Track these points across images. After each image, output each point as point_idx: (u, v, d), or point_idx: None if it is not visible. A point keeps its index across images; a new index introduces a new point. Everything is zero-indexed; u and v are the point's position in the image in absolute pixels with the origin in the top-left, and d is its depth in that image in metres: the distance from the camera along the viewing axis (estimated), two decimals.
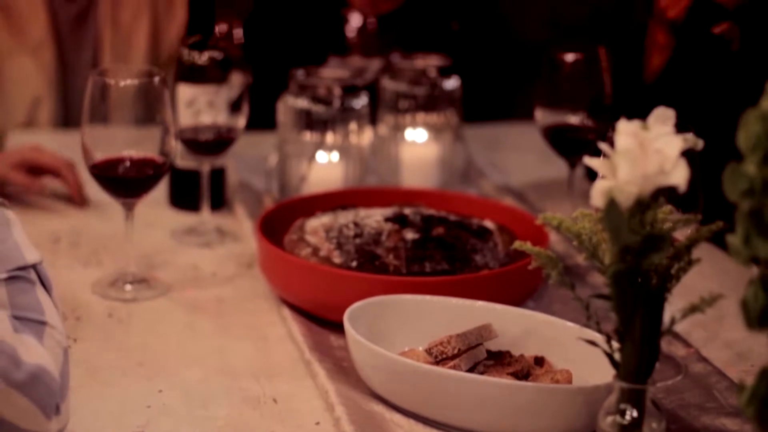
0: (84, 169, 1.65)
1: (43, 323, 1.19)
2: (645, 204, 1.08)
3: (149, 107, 1.63)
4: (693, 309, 1.12)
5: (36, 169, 2.01)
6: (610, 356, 1.14)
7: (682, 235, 1.21)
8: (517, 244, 1.23)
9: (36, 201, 2.00)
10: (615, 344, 1.13)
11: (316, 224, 1.66)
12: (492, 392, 1.26)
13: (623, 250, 1.08)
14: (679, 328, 1.54)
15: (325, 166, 1.95)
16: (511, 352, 1.41)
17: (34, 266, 1.23)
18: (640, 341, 1.11)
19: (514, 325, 1.43)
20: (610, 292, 1.11)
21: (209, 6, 1.90)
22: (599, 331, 1.17)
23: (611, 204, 1.06)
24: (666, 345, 1.52)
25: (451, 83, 2.11)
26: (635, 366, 1.12)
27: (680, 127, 1.11)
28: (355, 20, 2.39)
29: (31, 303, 1.20)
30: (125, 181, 1.62)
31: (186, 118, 1.84)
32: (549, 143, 1.93)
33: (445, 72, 2.12)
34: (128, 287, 1.66)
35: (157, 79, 1.61)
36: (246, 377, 1.42)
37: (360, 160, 1.98)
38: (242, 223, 1.93)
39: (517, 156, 2.36)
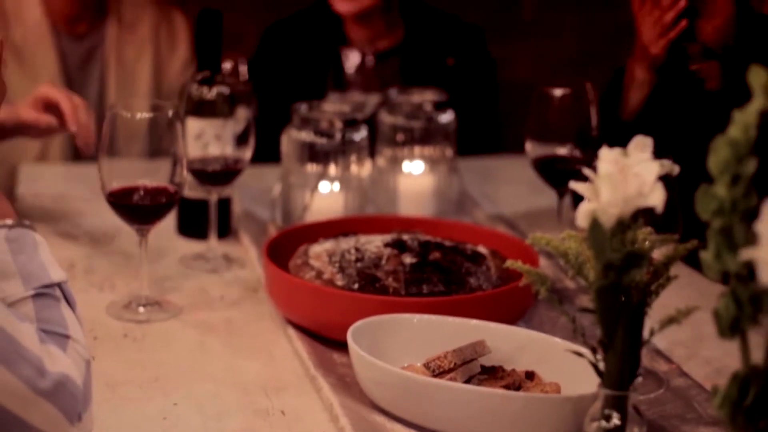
0: (101, 197, 1.75)
1: (66, 337, 1.28)
2: (625, 224, 1.18)
3: (161, 139, 1.73)
4: (670, 320, 1.22)
5: (50, 106, 2.08)
6: (594, 366, 1.24)
7: (661, 254, 1.31)
8: (509, 263, 1.33)
9: (52, 229, 2.09)
10: (599, 355, 1.23)
11: (320, 250, 1.76)
12: (486, 402, 1.36)
13: (606, 267, 1.18)
14: (662, 346, 1.65)
15: (327, 195, 2.05)
16: (504, 367, 1.50)
17: (59, 284, 1.32)
18: (622, 351, 1.21)
19: (506, 342, 1.53)
20: (594, 306, 1.21)
21: (216, 44, 2.00)
22: (584, 342, 1.26)
23: (594, 224, 1.16)
24: (649, 361, 1.61)
25: (446, 117, 2.22)
26: (618, 374, 1.21)
27: (658, 154, 1.21)
28: (354, 57, 2.49)
29: (56, 318, 1.29)
30: (140, 209, 1.71)
31: (195, 150, 1.94)
32: (538, 174, 2.03)
33: (440, 106, 2.22)
34: (141, 309, 1.75)
35: (169, 112, 1.71)
36: (255, 391, 1.51)
37: (360, 190, 2.08)
38: (248, 250, 2.02)
39: (509, 187, 2.46)
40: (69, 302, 1.34)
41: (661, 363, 1.62)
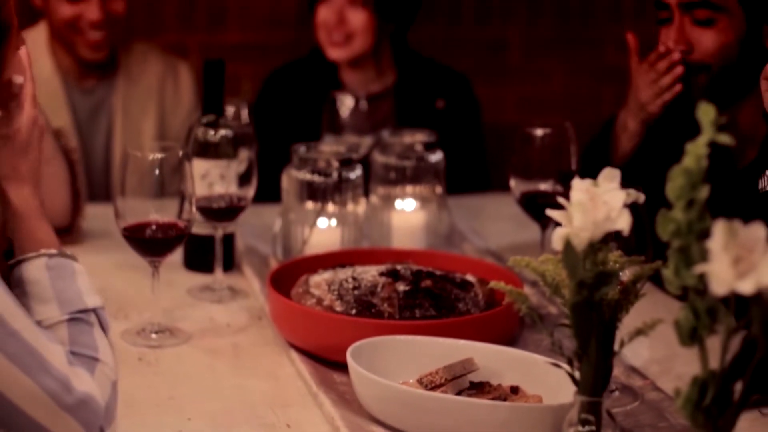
0: (111, 234, 1.88)
1: (95, 359, 1.41)
2: (596, 246, 1.32)
3: (172, 178, 1.87)
4: (638, 332, 1.36)
5: None
6: (571, 375, 1.37)
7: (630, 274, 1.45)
8: (493, 284, 1.47)
9: None
10: (575, 365, 1.36)
11: (319, 279, 1.89)
12: (475, 412, 1.50)
13: (579, 285, 1.31)
14: (637, 363, 1.79)
15: (325, 231, 2.19)
16: (491, 382, 1.64)
17: (94, 310, 1.46)
18: (595, 361, 1.34)
19: (492, 360, 1.66)
20: (570, 321, 1.34)
21: (220, 90, 2.14)
22: (562, 354, 1.40)
23: (568, 246, 1.30)
24: (626, 377, 1.75)
25: (436, 157, 2.36)
26: (592, 382, 1.35)
27: (625, 185, 1.35)
28: (348, 101, 2.64)
29: (88, 341, 1.42)
30: (152, 242, 1.85)
31: (200, 189, 2.07)
32: (523, 208, 2.18)
33: (430, 147, 2.37)
34: (154, 336, 1.88)
35: (180, 153, 1.85)
36: (262, 407, 1.64)
37: (356, 225, 2.22)
38: (251, 282, 2.16)
39: (495, 223, 2.60)
40: (103, 327, 1.47)
41: (636, 379, 1.75)
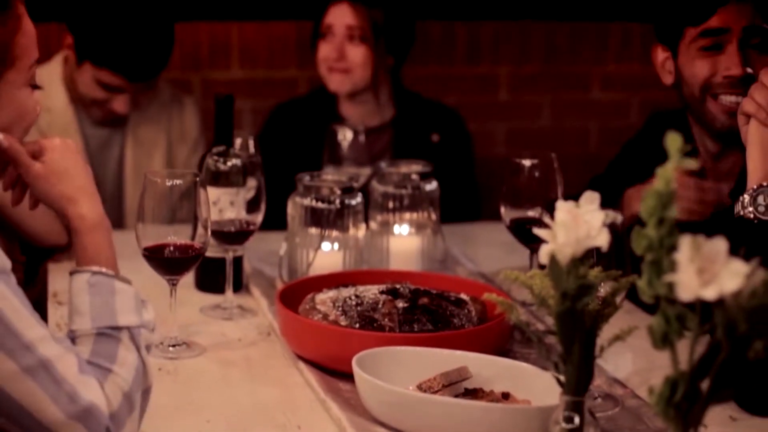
0: (129, 257, 2.03)
1: (109, 370, 1.54)
2: (578, 261, 1.47)
3: (188, 203, 2.02)
4: (616, 338, 1.51)
5: None
6: (557, 377, 1.52)
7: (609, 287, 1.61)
8: (486, 296, 1.63)
9: None
10: (560, 368, 1.51)
11: (324, 297, 2.05)
12: (470, 413, 1.65)
13: (563, 295, 1.47)
14: (619, 375, 1.95)
15: (328, 254, 2.34)
16: (483, 389, 1.79)
17: (127, 328, 1.59)
18: (578, 364, 1.49)
19: (485, 369, 1.82)
20: (555, 328, 1.50)
21: (230, 123, 2.30)
22: (548, 357, 1.55)
23: (553, 261, 1.46)
24: (608, 387, 1.90)
25: (431, 186, 2.52)
26: (575, 383, 1.50)
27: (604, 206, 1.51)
28: (348, 134, 2.81)
29: (107, 353, 1.55)
30: (171, 261, 2.01)
31: (212, 214, 2.23)
32: (512, 234, 2.34)
33: (425, 177, 2.53)
34: (171, 349, 2.04)
35: (197, 180, 2.01)
36: (275, 411, 1.80)
37: (356, 249, 2.38)
38: (259, 302, 2.31)
39: (486, 249, 2.76)
40: (136, 345, 1.60)
41: (617, 388, 1.91)
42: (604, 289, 1.62)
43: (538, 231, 1.50)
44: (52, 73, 3.12)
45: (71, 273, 1.64)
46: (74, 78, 3.10)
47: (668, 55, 2.47)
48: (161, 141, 3.23)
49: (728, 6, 2.35)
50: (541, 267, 1.64)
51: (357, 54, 3.18)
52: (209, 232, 2.03)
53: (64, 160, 1.71)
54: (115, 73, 3.00)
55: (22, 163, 1.70)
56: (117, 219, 3.13)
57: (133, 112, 3.19)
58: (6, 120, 1.69)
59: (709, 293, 1.23)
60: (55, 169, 1.70)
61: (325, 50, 3.21)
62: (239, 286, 2.37)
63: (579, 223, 1.47)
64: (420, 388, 1.75)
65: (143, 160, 3.18)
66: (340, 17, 3.20)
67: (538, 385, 1.74)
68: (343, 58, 3.18)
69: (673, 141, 1.30)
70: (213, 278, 2.34)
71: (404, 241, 2.51)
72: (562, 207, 1.48)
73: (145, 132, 3.21)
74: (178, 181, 2.00)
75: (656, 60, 2.51)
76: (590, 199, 1.51)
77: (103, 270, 1.63)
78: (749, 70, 2.32)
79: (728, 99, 2.34)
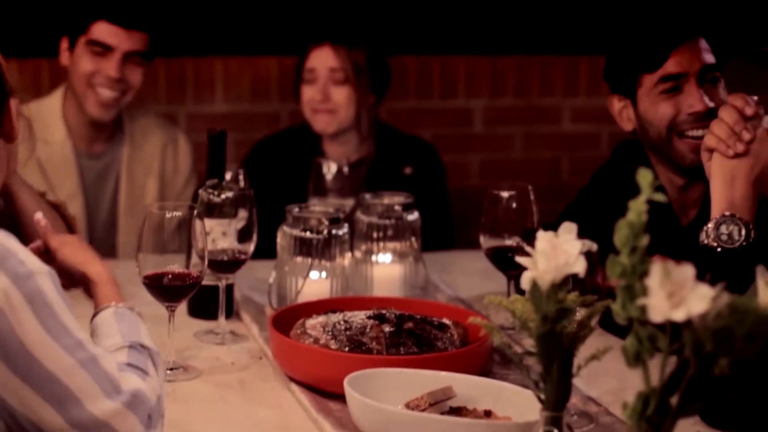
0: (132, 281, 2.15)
1: (146, 373, 1.69)
2: (557, 286, 1.59)
3: (184, 234, 2.13)
4: (592, 357, 1.63)
5: None
6: (537, 395, 1.64)
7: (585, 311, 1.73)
8: (471, 319, 1.74)
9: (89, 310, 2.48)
10: (540, 386, 1.63)
11: (314, 322, 2.16)
12: (456, 429, 1.76)
13: (543, 318, 1.59)
14: (593, 394, 2.06)
15: (316, 281, 2.46)
16: (467, 407, 1.91)
17: (149, 349, 1.75)
18: (557, 382, 1.61)
19: (468, 388, 1.93)
20: (536, 349, 1.61)
21: (222, 157, 2.42)
22: (529, 375, 1.66)
23: (534, 286, 1.58)
24: (583, 405, 2.02)
25: (413, 216, 2.64)
26: (555, 400, 1.61)
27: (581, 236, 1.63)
28: (332, 167, 2.93)
29: (141, 362, 1.71)
30: (169, 289, 2.11)
31: (200, 244, 2.33)
32: (491, 262, 2.46)
33: (407, 207, 2.65)
34: (169, 372, 2.14)
35: (194, 212, 2.12)
36: (270, 430, 1.91)
37: (343, 277, 2.49)
38: (249, 327, 2.42)
39: (464, 276, 2.89)
40: (156, 365, 1.75)
41: (592, 406, 2.03)
42: (580, 313, 1.74)
43: (520, 259, 1.62)
44: (51, 108, 3.24)
45: (95, 314, 1.84)
46: (71, 89, 3.21)
47: (625, 103, 2.61)
48: (154, 177, 3.35)
49: (681, 48, 2.50)
50: (519, 292, 1.77)
51: (341, 95, 3.32)
52: (206, 262, 2.13)
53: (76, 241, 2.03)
54: (109, 23, 3.13)
55: (51, 236, 2.02)
56: (110, 249, 3.24)
57: (128, 147, 3.30)
58: None
59: (678, 315, 1.34)
60: (73, 242, 2.01)
61: (310, 93, 3.35)
62: (230, 313, 2.47)
63: (558, 252, 1.59)
64: (408, 406, 1.87)
65: (137, 195, 3.30)
66: (323, 60, 3.34)
67: (517, 403, 1.85)
68: (328, 99, 3.32)
69: (644, 176, 1.42)
70: (205, 305, 2.45)
71: (387, 268, 2.62)
72: (543, 237, 1.60)
73: (139, 168, 3.33)
74: (176, 213, 2.11)
75: (613, 109, 2.65)
76: (568, 229, 1.63)
77: (126, 305, 1.85)
78: (711, 104, 2.47)
79: (695, 133, 2.48)
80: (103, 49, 3.16)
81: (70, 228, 2.57)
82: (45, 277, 1.55)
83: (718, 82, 2.53)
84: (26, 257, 1.54)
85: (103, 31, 3.16)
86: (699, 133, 2.47)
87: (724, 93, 2.52)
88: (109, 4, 3.21)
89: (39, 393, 1.53)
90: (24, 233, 2.44)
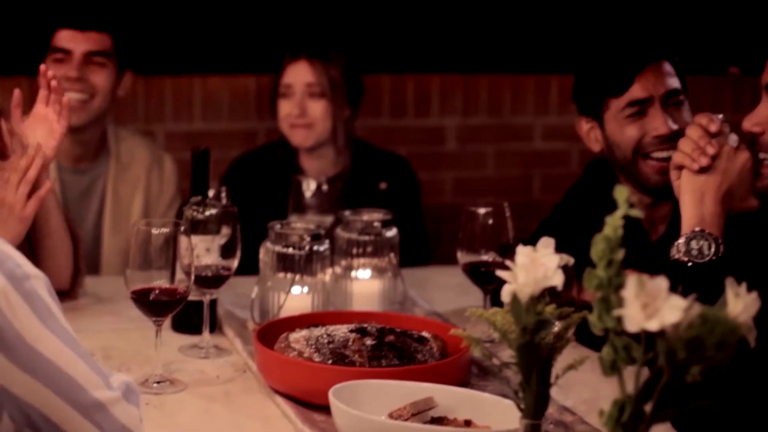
0: (112, 301, 2.20)
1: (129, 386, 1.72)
2: (536, 299, 1.66)
3: (171, 250, 2.18)
4: (570, 367, 1.70)
5: None
6: (517, 403, 1.70)
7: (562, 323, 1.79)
8: (453, 332, 1.81)
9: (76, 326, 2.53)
10: (520, 395, 1.69)
11: (298, 336, 2.22)
12: None
13: (523, 329, 1.65)
14: (569, 404, 2.13)
15: (298, 296, 2.52)
16: (448, 417, 1.97)
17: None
18: (536, 391, 1.67)
19: (449, 399, 1.99)
20: (516, 359, 1.68)
21: (206, 174, 2.48)
22: (509, 385, 1.73)
23: (514, 299, 1.64)
24: (559, 414, 2.09)
25: (391, 233, 2.71)
26: (534, 408, 1.68)
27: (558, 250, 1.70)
28: (312, 185, 2.99)
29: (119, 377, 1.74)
30: (156, 304, 2.17)
31: (186, 260, 2.39)
32: (468, 276, 2.53)
33: (386, 224, 2.72)
34: (155, 385, 2.19)
35: (180, 229, 2.18)
36: None
37: (324, 292, 2.55)
38: (233, 342, 2.48)
39: (441, 291, 2.95)
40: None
41: (567, 415, 2.09)
42: (557, 325, 1.80)
43: (501, 273, 1.68)
44: None
45: None
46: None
47: (592, 125, 2.71)
48: (140, 197, 3.40)
49: (645, 72, 2.60)
50: (495, 306, 1.83)
51: (317, 109, 3.39)
52: (192, 277, 2.19)
53: None
54: (67, 29, 3.22)
55: None
56: (94, 264, 3.28)
57: (113, 165, 3.35)
58: None
59: (652, 325, 1.41)
60: None
61: (287, 108, 3.41)
62: (213, 328, 2.53)
63: (537, 266, 1.65)
64: (391, 416, 1.93)
65: (123, 213, 3.34)
66: (300, 75, 3.40)
67: (496, 413, 1.92)
68: (305, 114, 3.38)
69: (621, 192, 1.49)
70: (189, 320, 2.50)
71: (366, 284, 2.68)
72: (522, 251, 1.67)
73: (125, 187, 3.38)
74: (163, 230, 2.17)
75: (581, 131, 2.75)
76: (546, 244, 1.70)
77: None
78: (675, 126, 2.56)
79: (660, 155, 2.57)
80: (63, 54, 3.22)
81: (76, 246, 2.63)
82: (40, 282, 1.59)
83: (682, 105, 2.62)
84: (22, 261, 1.59)
85: (61, 37, 3.24)
86: (664, 154, 2.56)
87: (689, 114, 2.61)
88: (65, 12, 3.29)
89: (44, 383, 1.56)
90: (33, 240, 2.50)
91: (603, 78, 2.65)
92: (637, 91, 2.60)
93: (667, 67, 2.63)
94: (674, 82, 2.63)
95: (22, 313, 1.54)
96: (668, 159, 2.45)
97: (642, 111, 2.60)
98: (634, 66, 2.61)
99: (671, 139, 2.53)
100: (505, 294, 1.66)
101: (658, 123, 2.58)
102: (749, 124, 2.24)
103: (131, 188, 3.40)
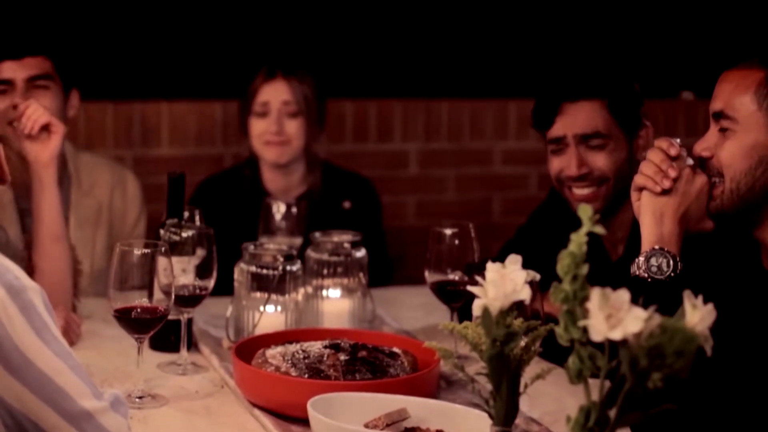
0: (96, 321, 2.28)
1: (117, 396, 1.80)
2: (505, 312, 1.76)
3: (151, 270, 2.27)
4: (537, 376, 1.80)
5: None
6: (488, 411, 1.80)
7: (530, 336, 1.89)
8: (427, 344, 1.90)
9: None
10: (491, 403, 1.79)
11: (274, 352, 2.31)
12: None
13: (493, 341, 1.75)
14: (535, 415, 2.22)
15: (271, 315, 2.60)
16: (421, 427, 2.06)
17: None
18: (506, 399, 1.77)
19: (421, 410, 2.09)
20: (487, 369, 1.78)
21: (181, 198, 2.57)
22: (479, 395, 1.83)
23: (485, 312, 1.74)
24: (526, 425, 2.19)
25: (360, 253, 2.80)
26: (504, 416, 1.77)
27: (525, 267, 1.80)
28: (282, 207, 3.08)
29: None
30: (138, 321, 2.25)
31: (166, 280, 2.47)
32: (435, 295, 2.63)
33: (355, 245, 2.81)
34: (137, 400, 2.27)
35: (162, 249, 2.26)
36: None
37: (297, 311, 2.64)
38: (209, 359, 2.56)
39: (407, 310, 3.05)
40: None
41: (533, 425, 2.19)
42: (525, 338, 1.90)
43: (472, 288, 1.78)
44: None
45: None
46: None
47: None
48: (104, 221, 3.44)
49: (562, 111, 2.72)
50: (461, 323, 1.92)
51: (293, 127, 3.49)
52: (173, 296, 2.28)
53: None
54: (5, 60, 3.23)
55: None
56: None
57: (74, 191, 3.39)
58: None
59: (616, 335, 1.51)
60: None
61: (262, 126, 3.49)
62: (189, 345, 2.61)
63: (506, 281, 1.76)
64: (367, 426, 2.02)
65: (87, 241, 3.37)
66: (278, 94, 3.49)
67: (466, 423, 2.02)
68: (282, 132, 3.47)
69: (585, 211, 1.60)
70: (166, 338, 2.58)
71: (336, 303, 2.78)
72: (492, 267, 1.77)
73: (87, 210, 3.40)
74: (146, 251, 2.25)
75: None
76: (514, 260, 1.80)
77: None
78: (584, 170, 2.70)
79: (578, 192, 2.73)
80: (6, 86, 3.25)
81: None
82: (37, 294, 1.68)
83: (602, 148, 2.73)
84: (20, 274, 1.67)
85: (2, 69, 3.26)
86: (579, 192, 2.71)
87: (618, 155, 2.71)
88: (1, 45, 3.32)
89: (35, 392, 1.64)
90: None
91: (534, 113, 2.81)
92: (555, 129, 2.75)
93: (591, 106, 2.74)
94: (594, 124, 2.73)
95: (18, 323, 1.63)
96: (586, 195, 2.69)
97: (559, 150, 2.75)
98: (553, 104, 2.75)
99: (585, 179, 2.68)
100: (477, 308, 1.75)
101: (569, 164, 2.75)
102: (699, 148, 2.35)
103: (94, 214, 3.41)
